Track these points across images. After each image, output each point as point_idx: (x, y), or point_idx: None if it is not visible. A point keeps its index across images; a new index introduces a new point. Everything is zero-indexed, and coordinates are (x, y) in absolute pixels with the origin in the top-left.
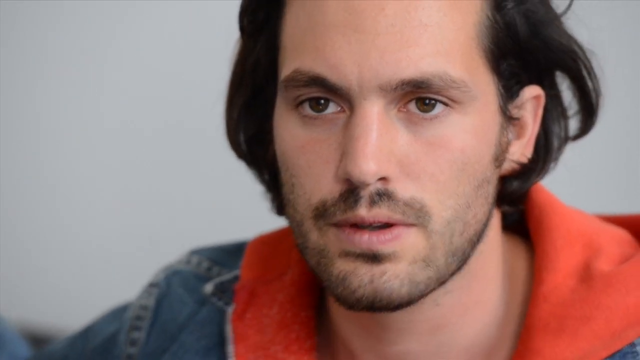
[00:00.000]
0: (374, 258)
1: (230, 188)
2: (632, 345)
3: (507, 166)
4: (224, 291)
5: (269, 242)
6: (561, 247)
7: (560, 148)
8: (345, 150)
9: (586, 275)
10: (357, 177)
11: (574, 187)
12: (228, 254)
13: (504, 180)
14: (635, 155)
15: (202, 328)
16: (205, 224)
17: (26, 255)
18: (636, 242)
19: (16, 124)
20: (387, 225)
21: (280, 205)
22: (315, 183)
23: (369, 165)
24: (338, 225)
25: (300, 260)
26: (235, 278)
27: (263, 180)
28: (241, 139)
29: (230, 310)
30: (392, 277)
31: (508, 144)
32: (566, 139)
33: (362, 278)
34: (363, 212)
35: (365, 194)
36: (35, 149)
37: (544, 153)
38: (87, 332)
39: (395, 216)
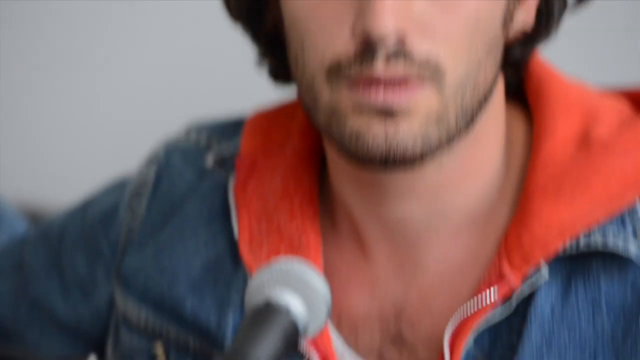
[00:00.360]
0: (388, 113)
1: None
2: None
3: (511, 34)
4: (225, 163)
5: (268, 115)
6: (560, 115)
7: (560, 15)
8: (363, 7)
9: (584, 141)
10: (377, 32)
11: (574, 59)
12: (227, 128)
13: (506, 49)
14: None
15: (204, 199)
16: None
17: (23, 133)
18: (635, 112)
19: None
20: (402, 83)
21: (277, 70)
22: (329, 40)
23: (388, 19)
24: (352, 81)
25: (301, 129)
26: (236, 150)
27: (260, 45)
28: (240, 5)
29: (232, 181)
30: (406, 133)
31: (514, 9)
32: (565, 6)
33: (377, 133)
34: (380, 67)
35: (382, 51)
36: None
37: (546, 20)
38: (86, 205)
39: (412, 72)
